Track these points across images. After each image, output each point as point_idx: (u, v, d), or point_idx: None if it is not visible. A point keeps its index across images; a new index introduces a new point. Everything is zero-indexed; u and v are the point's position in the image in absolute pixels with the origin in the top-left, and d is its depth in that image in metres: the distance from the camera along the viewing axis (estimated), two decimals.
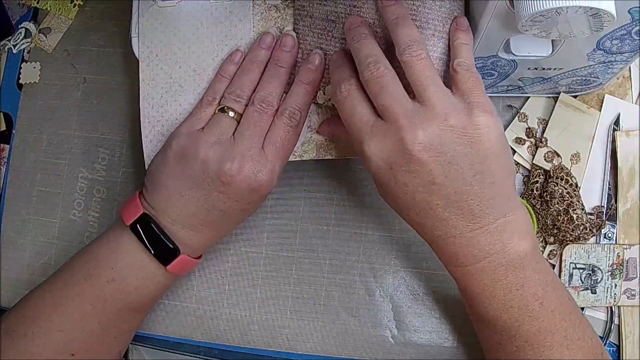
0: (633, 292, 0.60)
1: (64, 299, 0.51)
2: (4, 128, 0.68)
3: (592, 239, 0.61)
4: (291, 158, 0.54)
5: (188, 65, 0.55)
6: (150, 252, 0.51)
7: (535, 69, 0.55)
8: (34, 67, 0.68)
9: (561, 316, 0.46)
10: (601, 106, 0.63)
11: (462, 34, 0.48)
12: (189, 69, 0.55)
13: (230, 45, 0.55)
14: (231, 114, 0.52)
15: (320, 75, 0.53)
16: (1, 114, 0.68)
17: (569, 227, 0.59)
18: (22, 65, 0.68)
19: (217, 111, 0.53)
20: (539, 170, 0.62)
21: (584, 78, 0.58)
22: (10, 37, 0.69)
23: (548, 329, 0.46)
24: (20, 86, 0.68)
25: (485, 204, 0.44)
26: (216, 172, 0.49)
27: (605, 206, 0.61)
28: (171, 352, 0.63)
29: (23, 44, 0.68)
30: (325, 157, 0.55)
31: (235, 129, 0.51)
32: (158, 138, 0.55)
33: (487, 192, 0.44)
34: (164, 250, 0.51)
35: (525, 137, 0.63)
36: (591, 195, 0.62)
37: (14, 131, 0.67)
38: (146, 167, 0.55)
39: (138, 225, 0.51)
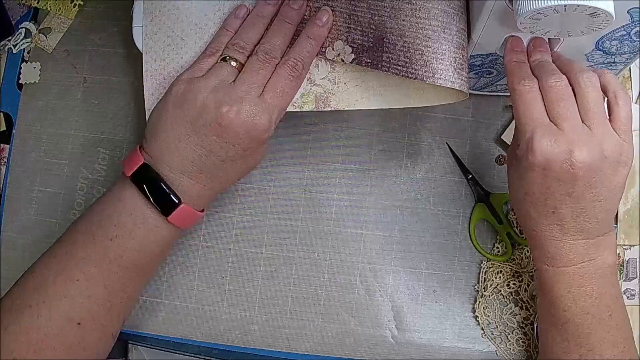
0: (633, 293, 0.60)
1: (68, 263, 0.51)
2: (4, 128, 0.68)
3: None
4: (290, 108, 0.55)
5: (190, 19, 0.56)
6: (152, 203, 0.51)
7: None
8: (34, 67, 0.68)
9: (622, 332, 0.51)
10: None
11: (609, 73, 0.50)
12: (191, 22, 0.56)
13: (232, 0, 0.56)
14: (233, 63, 0.53)
15: (327, 31, 0.54)
16: (1, 114, 0.68)
17: None
18: (22, 65, 0.68)
19: (219, 60, 0.53)
20: None
21: None
22: (10, 37, 0.69)
23: (611, 341, 0.50)
24: (20, 86, 0.68)
25: (595, 223, 0.49)
26: (214, 115, 0.50)
27: None
28: (171, 352, 0.63)
29: (23, 44, 0.68)
30: (324, 110, 0.56)
31: (236, 77, 0.52)
32: (159, 90, 0.56)
33: (602, 215, 0.49)
34: (164, 200, 0.51)
35: None
36: None
37: (14, 131, 0.67)
38: (147, 120, 0.55)
39: (139, 177, 0.51)
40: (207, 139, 0.51)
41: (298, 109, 0.55)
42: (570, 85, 0.47)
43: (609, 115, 0.48)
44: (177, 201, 0.51)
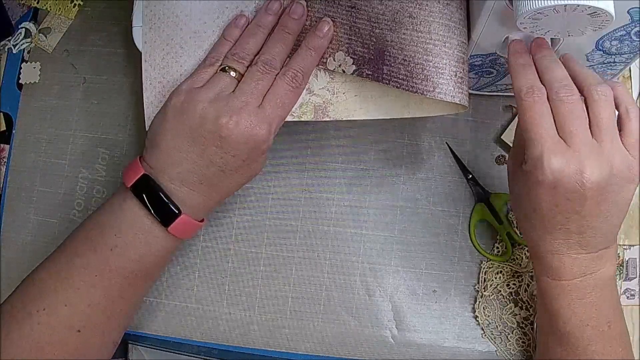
0: (632, 293, 0.60)
1: (69, 271, 0.51)
2: (4, 128, 0.68)
3: None
4: (289, 118, 0.55)
5: (189, 27, 0.56)
6: (152, 213, 0.51)
7: None
8: (34, 67, 0.68)
9: (621, 342, 0.52)
10: None
11: (620, 85, 0.49)
12: (190, 30, 0.56)
13: (231, 7, 0.56)
14: (232, 73, 0.53)
15: (327, 42, 0.54)
16: (1, 114, 0.68)
17: None
18: (22, 65, 0.68)
19: (218, 71, 0.53)
20: None
21: None
22: (10, 37, 0.69)
23: (610, 352, 0.50)
24: (20, 86, 0.68)
25: (600, 238, 0.49)
26: (213, 126, 0.50)
27: None
28: (171, 352, 0.63)
29: (23, 44, 0.68)
30: (323, 119, 0.56)
31: (236, 87, 0.52)
32: (159, 99, 0.56)
33: (607, 229, 0.48)
34: (165, 210, 0.51)
35: None
36: None
37: (14, 131, 0.67)
38: (146, 128, 0.55)
39: (139, 187, 0.51)
40: (206, 150, 0.51)
41: (297, 119, 0.55)
42: (582, 95, 0.47)
43: (620, 129, 0.48)
44: (177, 212, 0.51)
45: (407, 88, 0.50)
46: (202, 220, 0.55)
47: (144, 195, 0.51)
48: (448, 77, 0.49)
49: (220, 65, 0.54)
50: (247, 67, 0.53)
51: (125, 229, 0.51)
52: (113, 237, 0.51)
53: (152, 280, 0.56)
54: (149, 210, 0.51)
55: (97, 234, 0.52)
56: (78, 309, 0.50)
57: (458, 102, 0.50)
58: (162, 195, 0.51)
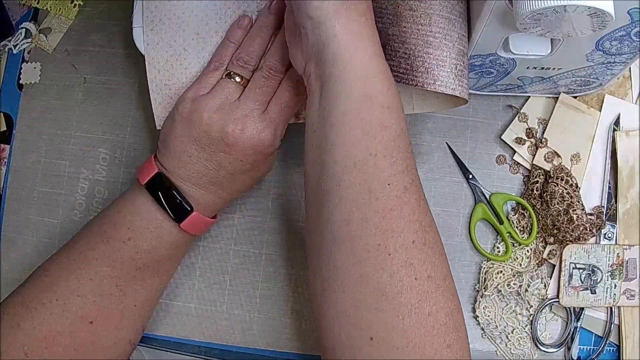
0: (632, 293, 0.60)
1: (81, 263, 0.52)
2: (4, 128, 0.68)
3: (592, 239, 0.61)
4: (293, 120, 0.55)
5: (192, 28, 0.56)
6: (165, 210, 0.52)
7: (535, 68, 0.55)
8: (34, 68, 0.68)
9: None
10: (601, 106, 0.63)
11: None
12: (192, 32, 0.56)
13: (233, 8, 0.56)
14: (237, 79, 0.53)
15: None
16: (1, 114, 0.68)
17: (569, 228, 0.59)
18: (22, 66, 0.68)
19: (223, 76, 0.53)
20: (539, 171, 0.62)
21: (583, 79, 0.58)
22: (10, 38, 0.69)
23: None
24: (20, 86, 0.68)
25: None
26: (219, 134, 0.50)
27: (605, 206, 0.61)
28: (171, 352, 0.63)
29: (23, 44, 0.68)
30: None
31: (241, 94, 0.53)
32: (167, 100, 0.57)
33: None
34: (177, 208, 0.52)
35: (526, 138, 0.63)
36: (591, 196, 0.62)
37: (14, 131, 0.67)
38: (157, 127, 0.57)
39: (153, 185, 0.52)
40: (215, 156, 0.51)
41: (302, 121, 0.55)
42: None
43: None
44: (189, 209, 0.52)
45: (407, 82, 0.50)
46: (214, 217, 0.56)
47: (158, 193, 0.52)
48: (448, 70, 0.49)
49: (225, 69, 0.54)
50: (252, 71, 0.53)
51: (138, 222, 0.52)
52: (126, 229, 0.52)
53: (164, 277, 0.57)
54: (162, 207, 0.52)
55: (109, 227, 0.53)
56: (90, 300, 0.51)
57: (458, 95, 0.50)
58: (175, 193, 0.52)
